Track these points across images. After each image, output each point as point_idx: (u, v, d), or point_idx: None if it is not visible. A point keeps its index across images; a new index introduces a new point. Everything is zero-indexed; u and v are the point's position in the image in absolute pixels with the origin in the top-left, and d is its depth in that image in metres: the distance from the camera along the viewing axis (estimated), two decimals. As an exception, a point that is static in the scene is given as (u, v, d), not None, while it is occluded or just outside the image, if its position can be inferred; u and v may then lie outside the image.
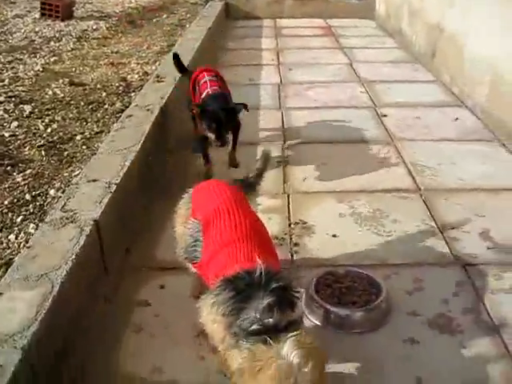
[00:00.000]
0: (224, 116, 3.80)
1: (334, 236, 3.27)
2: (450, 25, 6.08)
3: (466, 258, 3.09)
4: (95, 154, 3.61)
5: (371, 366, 2.39)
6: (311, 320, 2.64)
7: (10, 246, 2.98)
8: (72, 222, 2.76)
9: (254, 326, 1.91)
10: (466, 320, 2.66)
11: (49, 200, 3.40)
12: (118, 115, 4.56)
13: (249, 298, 1.97)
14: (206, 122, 3.82)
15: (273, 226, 3.28)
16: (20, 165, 3.86)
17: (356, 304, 2.65)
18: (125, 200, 3.21)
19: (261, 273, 2.00)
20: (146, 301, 2.77)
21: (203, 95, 4.01)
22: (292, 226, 3.39)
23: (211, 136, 3.83)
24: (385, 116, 5.15)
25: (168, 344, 2.51)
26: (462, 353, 2.47)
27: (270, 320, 1.90)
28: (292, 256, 3.10)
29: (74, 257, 2.51)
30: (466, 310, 2.72)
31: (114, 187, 3.07)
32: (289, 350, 1.78)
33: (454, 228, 3.37)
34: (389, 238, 3.27)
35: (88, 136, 4.33)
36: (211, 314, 2.09)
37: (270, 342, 1.81)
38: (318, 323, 2.63)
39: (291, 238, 3.26)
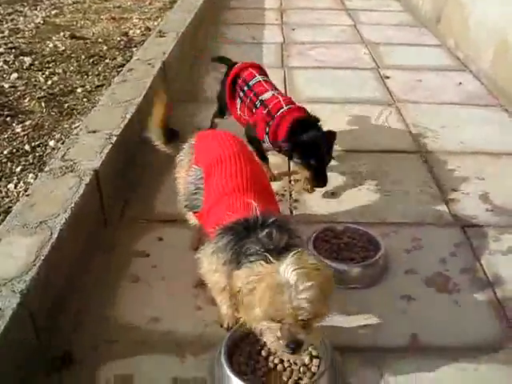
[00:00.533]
0: (327, 150, 3.12)
1: (334, 194, 3.28)
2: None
3: (465, 220, 3.10)
4: (96, 106, 3.58)
5: (368, 321, 2.41)
6: (309, 275, 2.65)
7: (9, 194, 2.96)
8: (71, 171, 2.76)
9: (254, 247, 1.93)
10: (463, 279, 2.67)
11: (48, 151, 3.38)
12: (119, 69, 4.51)
13: (247, 237, 1.98)
14: (300, 158, 3.10)
15: (273, 182, 3.28)
16: (20, 116, 3.82)
17: (354, 260, 2.66)
18: (125, 152, 3.20)
19: (257, 217, 2.01)
20: (144, 252, 2.78)
21: (272, 109, 3.19)
22: (292, 182, 3.39)
23: (306, 173, 3.14)
24: (387, 78, 5.10)
25: (165, 294, 2.52)
26: (457, 311, 2.48)
27: (270, 242, 1.93)
28: (291, 212, 3.11)
29: (72, 205, 2.51)
30: (464, 269, 2.73)
31: (114, 138, 3.06)
32: (288, 266, 1.77)
33: (454, 190, 3.36)
34: (388, 197, 3.27)
35: (89, 89, 4.28)
36: (212, 264, 2.10)
37: (271, 259, 1.83)
38: (316, 278, 2.63)
39: (291, 195, 3.26)
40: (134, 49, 5.07)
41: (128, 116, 3.31)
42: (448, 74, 5.29)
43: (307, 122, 3.12)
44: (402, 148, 3.86)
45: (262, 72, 3.53)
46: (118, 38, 5.42)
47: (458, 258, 2.81)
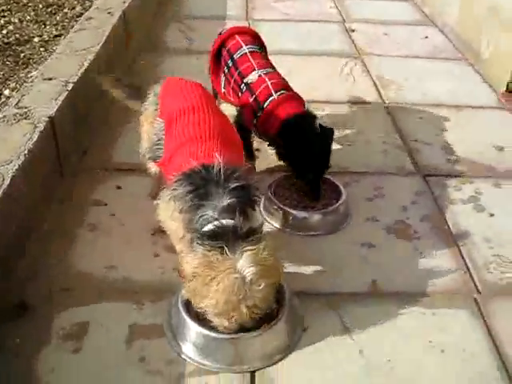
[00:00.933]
0: (327, 159, 2.66)
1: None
2: None
3: (427, 169, 3.10)
4: (53, 55, 3.47)
5: (328, 267, 2.40)
6: (270, 223, 2.63)
7: (-38, 143, 2.87)
8: (26, 118, 2.67)
9: (211, 226, 1.85)
10: (423, 227, 2.68)
11: (3, 100, 3.25)
12: (78, 19, 4.35)
13: (207, 194, 1.91)
14: (296, 168, 2.68)
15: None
16: (-28, 65, 3.69)
17: (314, 207, 2.64)
18: (83, 100, 3.11)
19: (219, 169, 1.94)
20: (101, 201, 2.72)
21: (259, 96, 2.73)
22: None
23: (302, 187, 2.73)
24: (353, 31, 5.05)
25: (123, 242, 2.48)
26: (417, 258, 2.49)
27: (230, 221, 1.85)
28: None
29: (26, 152, 2.43)
30: (424, 217, 2.74)
31: (70, 86, 2.96)
32: (245, 264, 1.76)
33: (416, 140, 3.36)
34: (351, 147, 3.26)
35: (46, 39, 4.14)
36: (168, 210, 2.04)
37: (227, 251, 1.77)
38: (277, 226, 2.62)
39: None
40: (94, -2, 4.91)
41: (86, 64, 3.21)
42: (414, 29, 5.25)
43: (303, 122, 2.64)
44: (366, 99, 3.83)
45: (253, 40, 3.03)
46: (78, -13, 5.24)
47: (419, 207, 2.81)
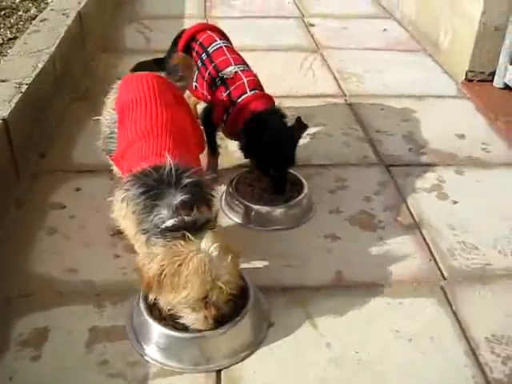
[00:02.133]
0: (292, 154, 2.61)
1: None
2: None
3: (390, 159, 3.10)
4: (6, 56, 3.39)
5: (292, 261, 2.37)
6: (232, 218, 2.59)
7: None
8: (-22, 121, 2.59)
9: (172, 221, 1.82)
10: (387, 217, 2.67)
11: (-46, 105, 3.18)
12: (32, 21, 4.27)
13: (160, 195, 1.88)
14: (258, 163, 2.62)
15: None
16: None
17: (276, 201, 2.61)
18: (39, 102, 3.03)
19: (170, 169, 1.90)
20: (60, 203, 2.66)
21: (233, 92, 2.69)
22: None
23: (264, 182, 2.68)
24: (312, 25, 5.05)
25: (83, 245, 2.42)
26: (382, 248, 2.48)
27: (188, 217, 1.82)
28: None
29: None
30: (388, 207, 2.73)
31: (24, 87, 2.88)
32: (207, 243, 1.76)
33: (378, 131, 3.36)
34: (312, 140, 3.24)
35: (0, 42, 4.05)
36: (121, 210, 2.00)
37: (190, 237, 1.76)
38: (239, 221, 2.58)
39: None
40: (49, 0, 4.81)
41: (40, 65, 3.13)
42: (373, 22, 5.28)
43: (269, 117, 2.60)
44: (327, 92, 3.82)
45: (223, 37, 3.01)
46: (33, -10, 5.14)
47: (383, 197, 2.80)
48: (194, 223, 1.82)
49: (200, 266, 1.72)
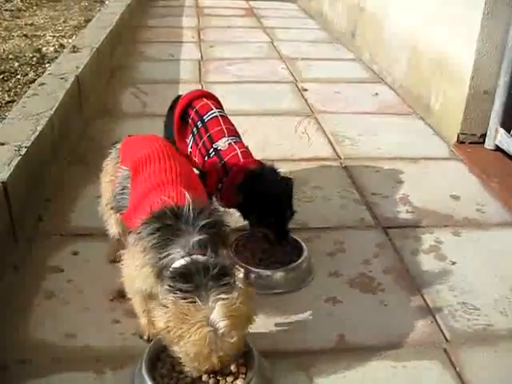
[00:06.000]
0: (291, 204, 2.65)
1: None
2: (370, 4, 6.13)
3: (386, 222, 3.12)
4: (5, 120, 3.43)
5: (293, 325, 2.36)
6: (232, 282, 2.58)
7: None
8: (-23, 185, 2.60)
9: (183, 261, 1.80)
10: (387, 279, 2.66)
11: (-46, 169, 3.19)
12: (31, 85, 4.34)
13: (176, 231, 1.86)
14: (259, 217, 2.61)
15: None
16: None
17: (277, 265, 2.61)
18: (37, 165, 3.05)
19: (188, 207, 1.90)
20: (58, 267, 2.64)
21: (227, 162, 2.71)
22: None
23: (265, 231, 2.65)
24: (305, 90, 5.14)
25: (81, 309, 2.39)
26: (382, 310, 2.47)
27: (201, 257, 1.80)
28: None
29: (-21, 221, 2.36)
30: (387, 269, 2.73)
31: (24, 150, 2.90)
32: (217, 316, 1.70)
33: (373, 194, 3.39)
34: (309, 203, 3.26)
35: (-2, 105, 4.11)
36: (134, 258, 1.97)
37: (199, 302, 1.71)
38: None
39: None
40: (47, 65, 4.90)
41: (39, 128, 3.17)
42: (364, 86, 5.39)
43: (263, 172, 2.64)
44: (321, 156, 3.86)
45: (218, 104, 3.04)
46: (31, 55, 5.23)
47: (381, 259, 2.80)
48: (207, 269, 1.77)
49: (201, 340, 1.69)
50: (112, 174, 2.38)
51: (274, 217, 2.56)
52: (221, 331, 1.70)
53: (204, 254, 1.82)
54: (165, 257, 1.84)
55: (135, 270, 1.99)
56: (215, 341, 1.70)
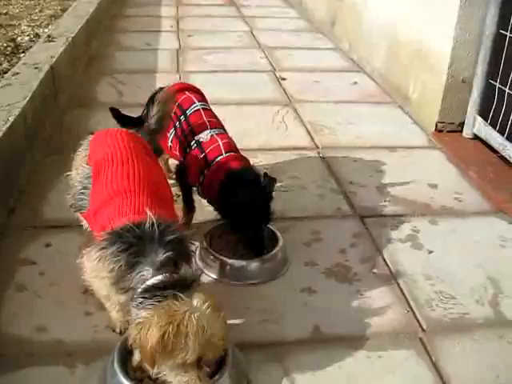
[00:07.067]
0: (266, 212, 2.58)
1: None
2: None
3: (363, 211, 3.10)
4: (-24, 111, 3.37)
5: (269, 316, 2.33)
6: (207, 274, 2.55)
7: None
8: None
9: (161, 277, 1.78)
10: (363, 269, 2.65)
11: None
12: (5, 75, 4.27)
13: (142, 251, 1.84)
14: (234, 224, 2.59)
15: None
16: None
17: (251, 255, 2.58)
18: (9, 157, 3.00)
19: (152, 224, 1.86)
20: (30, 260, 2.60)
21: (209, 154, 2.67)
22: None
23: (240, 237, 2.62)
24: (284, 79, 5.11)
25: (53, 302, 2.35)
26: (359, 300, 2.45)
27: (176, 275, 1.79)
28: (188, 212, 2.99)
29: None
30: (364, 259, 2.71)
31: (-6, 142, 2.85)
32: (199, 302, 1.71)
33: (351, 183, 3.37)
34: (286, 193, 3.23)
35: (-30, 97, 4.03)
36: (96, 271, 1.94)
37: (182, 296, 1.71)
38: (214, 276, 2.54)
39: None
40: (22, 55, 4.83)
41: (11, 119, 3.11)
42: (343, 75, 5.37)
43: (242, 178, 2.58)
44: (299, 145, 3.84)
45: (201, 97, 3.00)
46: (5, 44, 5.15)
47: (358, 249, 2.79)
48: (184, 280, 1.79)
49: (199, 325, 1.67)
50: (76, 168, 2.34)
51: (250, 230, 2.53)
52: (208, 313, 1.70)
53: (174, 272, 1.81)
54: (133, 278, 1.81)
55: (99, 283, 1.98)
56: (208, 322, 1.68)
